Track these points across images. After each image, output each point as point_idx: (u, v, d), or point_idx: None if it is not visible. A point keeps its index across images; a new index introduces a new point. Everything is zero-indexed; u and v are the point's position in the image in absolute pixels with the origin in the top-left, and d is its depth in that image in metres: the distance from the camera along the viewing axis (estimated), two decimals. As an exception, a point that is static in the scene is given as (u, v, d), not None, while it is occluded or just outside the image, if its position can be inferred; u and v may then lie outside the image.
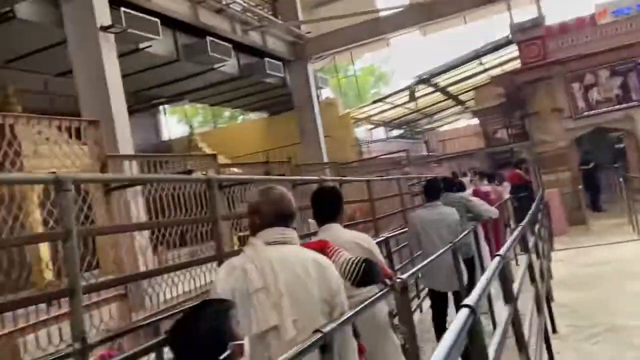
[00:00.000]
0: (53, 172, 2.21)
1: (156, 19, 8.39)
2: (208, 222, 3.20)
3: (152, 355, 2.45)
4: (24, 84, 10.11)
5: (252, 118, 19.67)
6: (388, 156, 14.65)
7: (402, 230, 5.98)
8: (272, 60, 12.26)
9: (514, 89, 14.03)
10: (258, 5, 12.11)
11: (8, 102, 8.78)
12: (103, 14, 7.24)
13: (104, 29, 7.18)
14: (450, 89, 19.80)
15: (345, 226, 2.96)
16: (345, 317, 1.89)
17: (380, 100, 19.15)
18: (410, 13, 12.98)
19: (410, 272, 2.92)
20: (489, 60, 17.28)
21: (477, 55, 16.37)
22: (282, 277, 1.92)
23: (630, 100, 12.24)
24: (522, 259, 5.35)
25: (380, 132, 22.14)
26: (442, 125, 26.62)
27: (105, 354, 2.83)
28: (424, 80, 17.47)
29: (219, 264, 3.33)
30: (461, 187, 6.11)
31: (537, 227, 5.53)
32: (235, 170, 7.10)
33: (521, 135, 16.61)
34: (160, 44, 9.33)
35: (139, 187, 4.15)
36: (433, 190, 4.72)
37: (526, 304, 3.71)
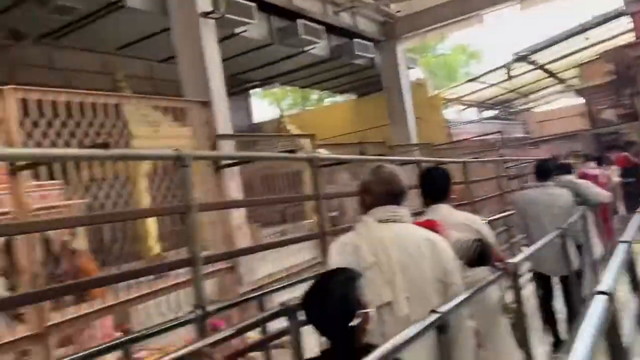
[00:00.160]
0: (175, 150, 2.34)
1: (252, 3, 8.61)
2: (310, 200, 3.25)
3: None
4: (132, 70, 10.86)
5: (340, 100, 19.73)
6: (482, 138, 14.08)
7: (501, 215, 5.75)
8: (362, 41, 12.16)
9: (624, 65, 12.86)
10: (349, -15, 12.01)
11: (118, 87, 9.48)
12: (204, 1, 7.53)
13: (205, 14, 7.47)
14: (550, 66, 18.53)
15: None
16: (463, 298, 1.85)
17: (473, 79, 18.38)
18: (509, -14, 12.25)
19: (522, 255, 2.79)
20: (597, 34, 15.92)
21: (583, 29, 15.13)
22: (394, 254, 1.92)
23: None
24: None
25: (471, 113, 21.31)
26: (538, 106, 25.06)
27: (214, 322, 3.00)
28: (521, 58, 16.49)
29: (321, 242, 3.39)
30: (568, 170, 5.73)
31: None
32: (323, 151, 7.15)
33: (630, 116, 15.23)
34: (255, 28, 9.57)
35: (235, 168, 4.32)
36: (544, 171, 4.52)
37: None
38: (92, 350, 2.07)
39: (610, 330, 1.50)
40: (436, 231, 2.11)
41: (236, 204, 3.51)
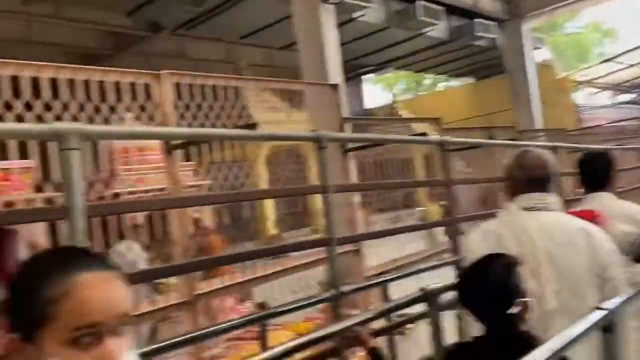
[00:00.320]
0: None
1: (370, -13, 8.55)
2: (440, 185, 3.14)
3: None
4: (252, 58, 11.36)
5: (456, 85, 19.01)
6: (619, 124, 12.75)
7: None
8: (483, 21, 11.53)
9: None
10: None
11: (240, 74, 9.95)
12: (324, -15, 7.61)
13: (325, 0, 7.54)
14: None
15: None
16: (633, 294, 1.67)
17: (609, 60, 16.65)
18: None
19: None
20: None
21: None
22: (541, 244, 1.80)
23: None
24: None
25: (603, 98, 19.38)
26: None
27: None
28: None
29: (449, 229, 3.28)
30: None
31: None
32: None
33: None
34: (372, 12, 9.48)
35: (351, 152, 4.32)
36: None
37: None
38: (235, 322, 2.19)
39: None
40: (596, 222, 1.93)
41: (370, 187, 3.51)
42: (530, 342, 1.44)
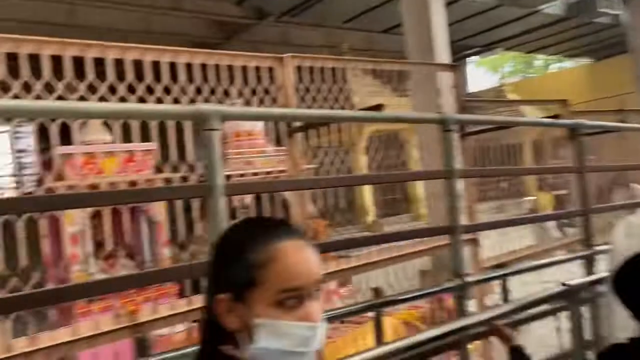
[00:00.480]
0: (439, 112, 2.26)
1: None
2: (572, 172, 2.89)
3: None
4: (351, 43, 11.30)
5: (570, 66, 17.58)
6: None
7: None
8: (606, -4, 10.52)
9: None
10: None
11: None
12: (433, -36, 7.32)
13: (434, -21, 7.26)
14: None
15: None
16: None
17: None
18: None
19: None
20: None
21: None
22: None
23: None
24: None
25: None
26: None
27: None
28: None
29: (584, 219, 3.02)
30: None
31: None
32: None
33: None
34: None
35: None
36: None
37: None
38: (353, 308, 2.17)
39: None
40: None
41: (496, 173, 3.33)
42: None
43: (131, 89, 2.14)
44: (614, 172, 6.50)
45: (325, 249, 2.24)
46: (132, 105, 1.57)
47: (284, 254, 0.86)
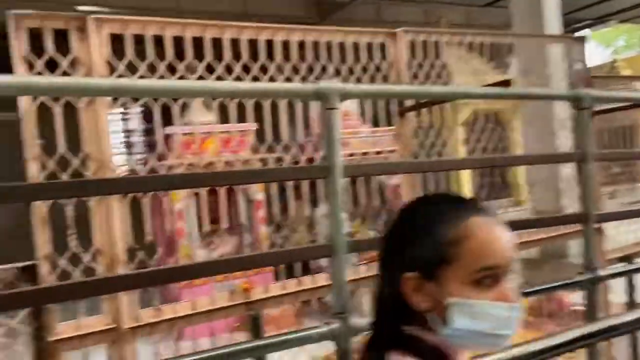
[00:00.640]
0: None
1: None
2: None
3: None
4: (451, 18, 10.80)
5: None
6: None
7: None
8: None
9: None
10: None
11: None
12: None
13: (546, -55, 6.68)
14: None
15: None
16: None
17: None
18: None
19: None
20: None
21: None
22: None
23: None
24: None
25: None
26: None
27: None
28: None
29: None
30: None
31: None
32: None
33: None
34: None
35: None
36: None
37: None
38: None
39: None
40: None
41: (632, 156, 3.01)
42: None
43: (246, 69, 2.15)
44: None
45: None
46: (250, 84, 1.55)
47: (479, 231, 0.82)
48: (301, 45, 2.23)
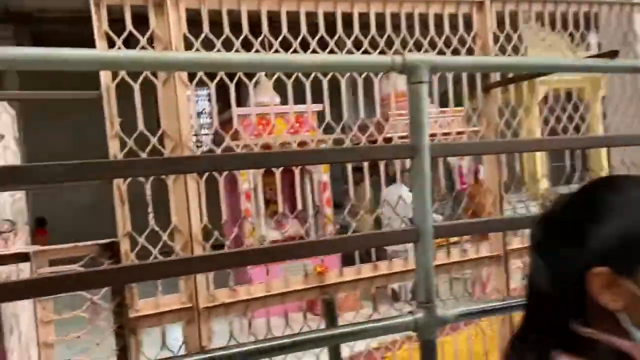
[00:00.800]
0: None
1: None
2: None
3: None
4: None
5: None
6: None
7: None
8: None
9: None
10: None
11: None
12: None
13: None
14: None
15: None
16: None
17: None
18: None
19: None
20: None
21: None
22: None
23: None
24: None
25: None
26: None
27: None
28: None
29: None
30: None
31: None
32: None
33: None
34: None
35: None
36: None
37: None
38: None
39: None
40: None
41: None
42: None
43: (322, 45, 2.06)
44: None
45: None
46: (331, 56, 1.46)
47: None
48: (380, 17, 2.11)
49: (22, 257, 1.67)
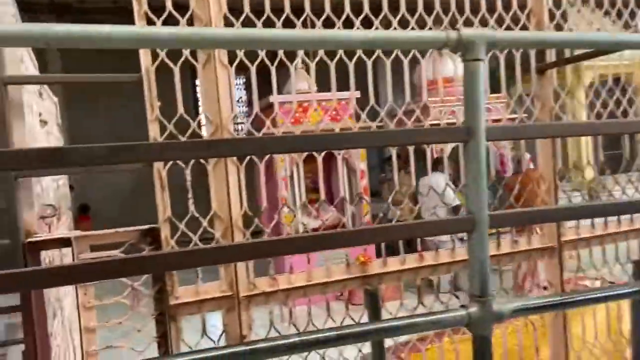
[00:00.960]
0: None
1: None
2: None
3: None
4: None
5: None
6: None
7: None
8: None
9: None
10: None
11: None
12: None
13: None
14: None
15: None
16: None
17: None
18: None
19: None
20: None
21: None
22: None
23: None
24: None
25: None
26: None
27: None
28: None
29: None
30: None
31: None
32: None
33: None
34: None
35: None
36: None
37: None
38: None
39: None
40: None
41: None
42: None
43: (367, 25, 1.96)
44: None
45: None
46: (383, 33, 1.36)
47: None
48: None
49: (64, 242, 1.66)
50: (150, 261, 1.18)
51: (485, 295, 1.35)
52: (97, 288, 1.82)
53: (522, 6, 2.15)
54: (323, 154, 2.18)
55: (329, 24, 1.94)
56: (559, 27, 2.21)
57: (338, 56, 2.00)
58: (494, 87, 2.68)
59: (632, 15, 2.65)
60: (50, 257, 1.98)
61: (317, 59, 2.03)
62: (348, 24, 1.98)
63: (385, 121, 2.31)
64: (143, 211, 4.49)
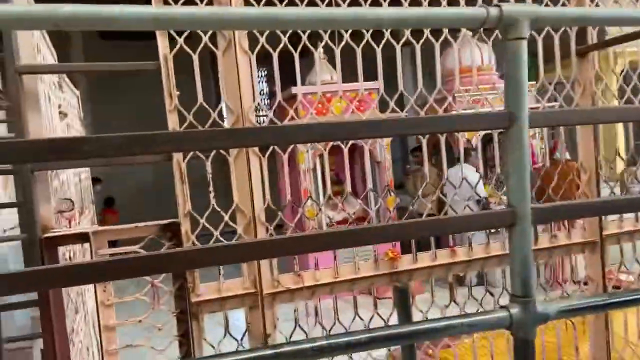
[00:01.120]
0: None
1: None
2: None
3: None
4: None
5: None
6: None
7: None
8: None
9: None
10: None
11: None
12: None
13: None
14: None
15: None
16: None
17: None
18: None
19: None
20: None
21: None
22: None
23: None
24: None
25: None
26: None
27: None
28: None
29: None
30: None
31: None
32: None
33: None
34: None
35: None
36: None
37: None
38: None
39: None
40: None
41: None
42: None
43: (397, 3, 1.85)
44: None
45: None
46: (418, 10, 1.25)
47: None
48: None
49: (82, 237, 1.60)
50: (170, 259, 1.11)
51: (528, 295, 1.24)
52: (116, 283, 1.76)
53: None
54: (349, 144, 2.08)
55: (354, 4, 1.84)
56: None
57: (365, 40, 1.90)
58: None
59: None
60: (70, 252, 1.93)
61: (342, 43, 1.93)
62: (376, 3, 1.88)
63: (411, 110, 2.20)
64: (168, 204, 4.47)
